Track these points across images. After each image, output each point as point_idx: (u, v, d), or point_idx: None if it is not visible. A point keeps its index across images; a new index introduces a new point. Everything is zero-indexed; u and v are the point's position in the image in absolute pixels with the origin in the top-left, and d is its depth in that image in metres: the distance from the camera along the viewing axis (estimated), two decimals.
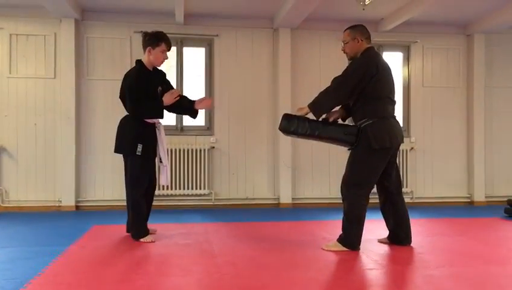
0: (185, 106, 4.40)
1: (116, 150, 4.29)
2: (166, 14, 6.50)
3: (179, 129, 6.78)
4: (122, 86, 4.27)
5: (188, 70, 6.91)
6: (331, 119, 3.90)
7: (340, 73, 3.82)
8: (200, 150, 6.69)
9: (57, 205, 6.43)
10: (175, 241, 4.23)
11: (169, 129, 6.75)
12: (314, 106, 3.81)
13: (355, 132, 3.74)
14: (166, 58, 4.27)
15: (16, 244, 4.19)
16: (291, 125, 3.82)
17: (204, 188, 6.71)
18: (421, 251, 3.80)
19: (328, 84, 3.85)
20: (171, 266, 3.41)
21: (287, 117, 3.87)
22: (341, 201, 3.87)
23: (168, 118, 6.81)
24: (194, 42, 6.92)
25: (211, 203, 6.76)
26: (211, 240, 4.24)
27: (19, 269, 3.24)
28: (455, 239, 4.36)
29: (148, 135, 4.19)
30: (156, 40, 4.16)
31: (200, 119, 6.81)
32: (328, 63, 6.90)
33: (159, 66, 4.31)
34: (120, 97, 4.32)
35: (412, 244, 3.96)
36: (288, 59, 6.82)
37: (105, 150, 6.57)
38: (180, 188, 6.63)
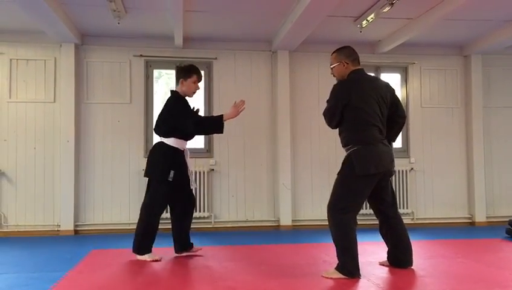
0: (213, 124, 4.62)
1: (147, 175, 4.41)
2: (165, 38, 6.55)
3: None
4: (162, 113, 4.45)
5: None
6: None
7: None
8: (200, 173, 6.68)
9: (56, 229, 6.39)
10: (174, 265, 4.20)
11: None
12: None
13: None
14: (198, 88, 4.55)
15: (14, 270, 4.15)
16: None
17: (204, 211, 6.68)
18: (423, 274, 3.77)
19: None
20: None
21: None
22: None
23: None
24: None
25: (211, 226, 6.72)
26: (210, 264, 4.20)
27: None
28: (457, 261, 4.32)
29: (179, 161, 4.40)
30: (187, 72, 4.45)
31: (200, 142, 6.81)
32: (327, 84, 6.81)
33: (191, 96, 4.54)
34: (157, 123, 4.46)
35: (413, 267, 3.92)
36: (286, 81, 6.85)
37: (104, 173, 6.58)
38: None
